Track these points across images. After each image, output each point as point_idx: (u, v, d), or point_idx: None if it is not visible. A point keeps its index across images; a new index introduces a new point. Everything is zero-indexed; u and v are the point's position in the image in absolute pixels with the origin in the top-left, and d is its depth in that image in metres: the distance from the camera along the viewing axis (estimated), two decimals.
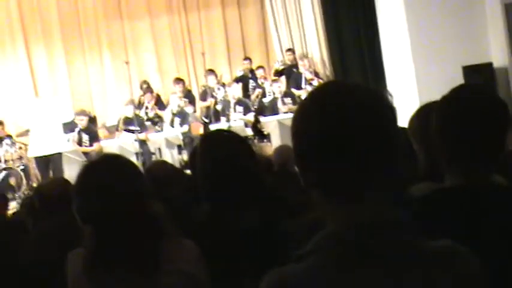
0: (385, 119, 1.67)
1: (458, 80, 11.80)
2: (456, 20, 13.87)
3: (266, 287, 1.68)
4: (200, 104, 15.86)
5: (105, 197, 2.96)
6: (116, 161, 3.18)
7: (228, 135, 4.00)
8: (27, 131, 14.44)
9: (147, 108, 15.84)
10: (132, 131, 14.73)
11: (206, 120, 14.90)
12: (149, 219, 3.02)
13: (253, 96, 16.04)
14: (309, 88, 15.50)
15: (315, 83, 15.59)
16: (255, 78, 16.78)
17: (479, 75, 13.28)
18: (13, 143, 14.55)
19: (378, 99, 1.69)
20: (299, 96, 15.32)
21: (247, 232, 3.30)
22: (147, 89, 16.42)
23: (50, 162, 13.39)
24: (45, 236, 4.67)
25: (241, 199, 3.42)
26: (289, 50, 17.51)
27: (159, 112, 15.79)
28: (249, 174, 3.50)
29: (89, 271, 2.98)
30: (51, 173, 13.25)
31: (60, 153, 13.52)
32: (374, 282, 1.61)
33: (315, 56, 17.36)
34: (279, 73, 16.82)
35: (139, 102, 15.91)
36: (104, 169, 3.08)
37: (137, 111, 15.21)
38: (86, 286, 2.99)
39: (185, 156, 14.39)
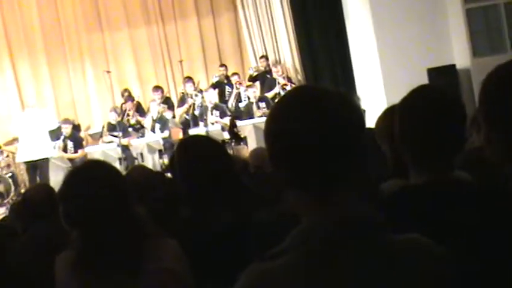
0: (352, 122, 1.68)
1: (423, 81, 11.80)
2: (420, 25, 13.98)
3: (245, 282, 1.68)
4: (179, 111, 15.79)
5: (89, 202, 2.97)
6: (99, 167, 3.19)
7: (203, 139, 4.03)
8: (15, 139, 14.45)
9: (128, 115, 15.78)
10: (116, 136, 14.73)
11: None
12: (132, 221, 3.03)
13: (230, 101, 16.02)
14: (282, 93, 15.59)
15: (288, 87, 15.54)
16: (230, 85, 16.77)
17: (443, 77, 13.41)
18: (1, 152, 14.51)
19: (346, 103, 1.70)
20: (273, 99, 15.38)
21: (220, 233, 3.31)
22: (128, 97, 16.36)
23: (37, 168, 13.38)
24: (33, 239, 4.67)
25: (218, 200, 3.43)
26: (262, 56, 17.54)
27: (140, 119, 15.73)
28: (225, 176, 3.51)
29: (76, 273, 2.98)
30: (37, 179, 13.21)
31: (47, 159, 13.52)
32: (344, 276, 1.62)
33: (288, 62, 17.38)
34: (253, 79, 16.82)
35: (122, 109, 15.84)
36: (87, 175, 3.09)
37: (119, 118, 15.17)
38: (74, 287, 2.99)
39: (166, 160, 14.39)
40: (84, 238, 3.00)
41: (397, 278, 1.65)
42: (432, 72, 13.58)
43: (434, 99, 2.53)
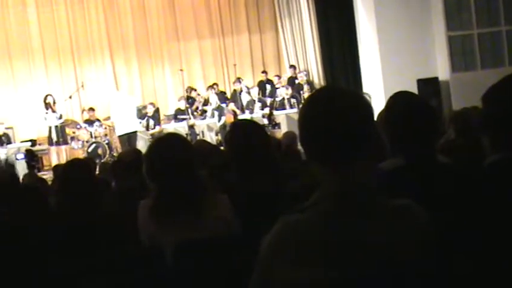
0: (365, 112, 1.67)
1: (413, 89, 11.79)
2: (414, 46, 13.96)
3: (275, 230, 1.68)
4: (231, 102, 15.85)
5: (167, 162, 2.98)
6: (175, 138, 3.22)
7: (249, 122, 4.02)
8: (109, 117, 14.60)
9: (195, 105, 15.90)
10: (183, 119, 14.81)
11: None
12: (196, 179, 3.04)
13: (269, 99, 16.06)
14: (306, 95, 15.69)
15: (306, 87, 15.99)
16: (270, 84, 16.75)
17: (428, 86, 13.52)
18: (101, 125, 14.63)
19: (361, 98, 1.69)
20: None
21: (259, 194, 3.31)
22: (192, 91, 16.46)
23: (128, 138, 13.52)
24: (123, 190, 4.70)
25: (258, 168, 3.42)
26: (291, 66, 17.48)
27: (204, 108, 15.83)
28: (264, 150, 3.50)
29: (153, 216, 3.00)
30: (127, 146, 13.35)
31: (135, 132, 13.65)
32: (349, 231, 1.61)
33: (313, 70, 17.35)
34: (287, 82, 16.80)
35: (188, 98, 15.86)
36: (167, 142, 3.12)
37: (187, 105, 15.21)
38: (152, 227, 3.01)
39: (219, 137, 14.47)
40: (160, 189, 3.02)
41: (391, 233, 1.63)
42: (420, 82, 13.56)
43: (410, 101, 2.62)
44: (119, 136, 13.84)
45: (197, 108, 15.83)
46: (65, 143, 14.49)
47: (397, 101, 2.64)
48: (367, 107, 1.69)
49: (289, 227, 1.66)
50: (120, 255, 3.04)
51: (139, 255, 3.01)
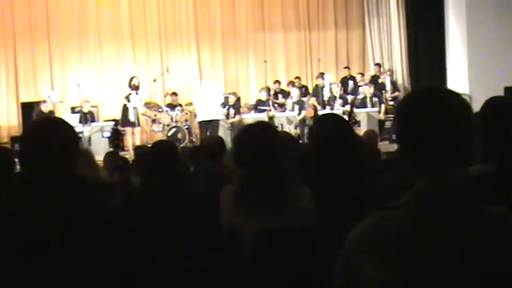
0: (467, 115, 1.65)
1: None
2: (503, 52, 13.61)
3: (363, 227, 1.66)
4: (312, 97, 15.81)
5: (253, 149, 3.01)
6: (266, 126, 3.27)
7: (335, 117, 4.00)
8: (190, 103, 14.87)
9: (276, 96, 15.94)
10: (264, 110, 14.87)
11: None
12: (280, 170, 3.05)
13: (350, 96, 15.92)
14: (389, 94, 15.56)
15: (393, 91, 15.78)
16: (353, 81, 16.61)
17: None
18: (182, 110, 14.82)
19: (464, 101, 1.66)
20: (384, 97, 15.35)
21: (343, 186, 3.30)
22: (276, 83, 16.49)
23: (209, 126, 13.62)
24: (205, 174, 4.76)
25: (341, 164, 3.41)
26: (376, 64, 17.34)
27: (283, 100, 15.86)
28: (347, 146, 3.50)
29: (235, 203, 3.03)
30: (208, 134, 13.47)
31: (218, 120, 13.75)
32: (441, 234, 1.57)
33: (398, 70, 17.15)
34: (370, 80, 16.63)
35: (269, 91, 15.89)
36: (254, 131, 3.14)
37: (268, 97, 15.27)
38: (234, 215, 3.04)
39: (299, 131, 14.46)
40: (244, 176, 3.05)
41: (484, 239, 1.58)
42: (507, 89, 13.20)
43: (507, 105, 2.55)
44: (199, 122, 13.99)
45: (277, 100, 15.88)
46: (139, 125, 14.74)
47: (493, 105, 2.58)
48: (469, 109, 1.66)
49: (378, 225, 1.64)
50: (201, 238, 3.09)
51: (218, 239, 3.06)
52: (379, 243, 1.61)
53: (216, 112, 13.79)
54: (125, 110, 14.39)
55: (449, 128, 1.60)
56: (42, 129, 2.30)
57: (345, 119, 3.87)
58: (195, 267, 2.78)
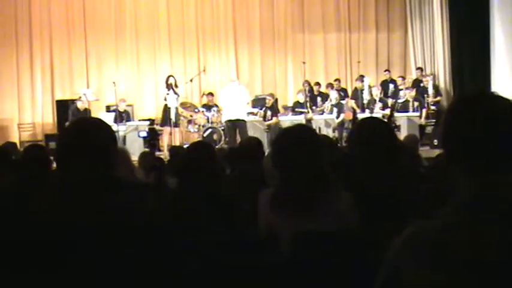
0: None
1: None
2: None
3: (407, 235, 1.63)
4: (351, 99, 15.73)
5: (296, 150, 3.01)
6: (306, 128, 3.26)
7: (377, 120, 3.97)
8: None
9: (312, 98, 15.87)
10: (301, 112, 14.83)
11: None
12: (320, 172, 3.04)
13: (390, 99, 15.79)
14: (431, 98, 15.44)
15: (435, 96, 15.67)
16: (394, 84, 16.48)
17: None
18: (218, 111, 14.80)
19: (508, 107, 1.62)
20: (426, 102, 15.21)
21: (385, 189, 3.28)
22: (316, 85, 16.43)
23: (236, 127, 13.45)
24: (241, 175, 4.75)
25: (382, 167, 3.39)
26: (418, 68, 17.17)
27: (322, 107, 15.78)
28: (388, 149, 3.47)
29: (274, 205, 3.03)
30: (237, 134, 13.41)
31: (244, 121, 13.54)
32: (486, 246, 1.53)
33: (440, 75, 16.95)
34: (412, 84, 16.49)
35: (306, 93, 15.83)
36: (298, 132, 3.14)
37: (306, 99, 15.21)
38: (271, 216, 3.04)
39: (337, 134, 14.39)
40: (284, 178, 3.05)
41: None
42: None
43: None
44: (225, 122, 13.77)
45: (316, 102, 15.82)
46: (178, 125, 14.69)
47: None
48: None
49: (422, 234, 1.60)
50: (236, 238, 3.09)
51: (255, 240, 3.06)
52: (421, 252, 1.58)
53: (241, 112, 13.60)
54: (166, 109, 14.26)
55: (501, 136, 1.57)
56: (81, 129, 2.33)
57: (386, 122, 3.84)
58: (228, 268, 2.79)
